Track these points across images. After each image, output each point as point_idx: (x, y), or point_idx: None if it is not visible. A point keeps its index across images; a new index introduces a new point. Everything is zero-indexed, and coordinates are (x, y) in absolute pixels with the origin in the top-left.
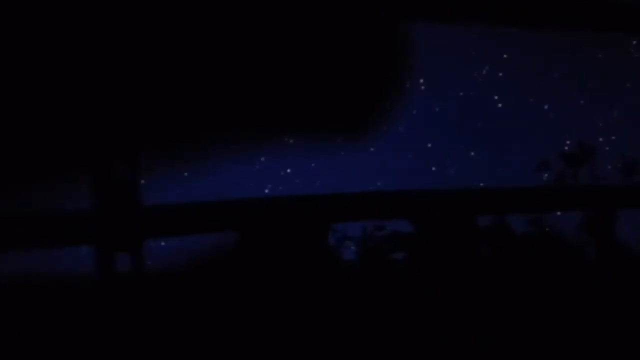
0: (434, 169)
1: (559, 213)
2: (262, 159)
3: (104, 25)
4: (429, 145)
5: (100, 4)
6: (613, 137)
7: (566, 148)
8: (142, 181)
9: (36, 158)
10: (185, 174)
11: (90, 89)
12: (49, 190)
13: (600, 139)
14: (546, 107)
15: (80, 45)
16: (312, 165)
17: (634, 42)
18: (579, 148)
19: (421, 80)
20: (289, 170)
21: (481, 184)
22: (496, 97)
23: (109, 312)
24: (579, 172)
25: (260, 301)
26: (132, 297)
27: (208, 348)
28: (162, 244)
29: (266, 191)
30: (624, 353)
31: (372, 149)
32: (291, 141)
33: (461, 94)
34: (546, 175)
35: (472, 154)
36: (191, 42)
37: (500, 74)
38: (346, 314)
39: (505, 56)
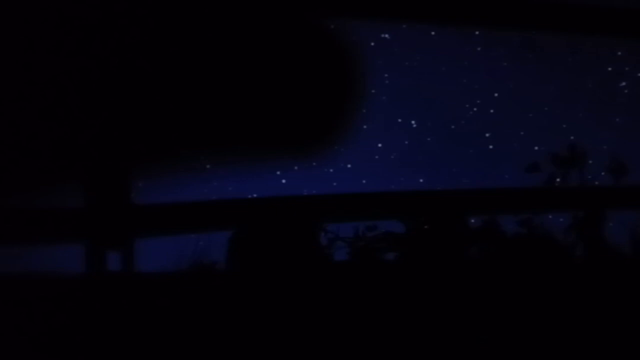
0: None
1: (549, 215)
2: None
3: (104, 27)
4: (421, 180)
5: (105, 8)
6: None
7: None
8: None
9: (31, 157)
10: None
11: (87, 90)
12: (43, 188)
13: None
14: (536, 147)
15: (78, 47)
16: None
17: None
18: (569, 151)
19: (413, 122)
20: None
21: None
22: (487, 135)
23: (98, 308)
24: (568, 175)
25: (250, 301)
26: (122, 295)
27: (198, 344)
28: (154, 243)
29: None
30: (611, 349)
31: (364, 182)
32: (283, 181)
33: (452, 127)
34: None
35: None
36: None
37: (492, 111)
38: (337, 314)
39: (496, 95)
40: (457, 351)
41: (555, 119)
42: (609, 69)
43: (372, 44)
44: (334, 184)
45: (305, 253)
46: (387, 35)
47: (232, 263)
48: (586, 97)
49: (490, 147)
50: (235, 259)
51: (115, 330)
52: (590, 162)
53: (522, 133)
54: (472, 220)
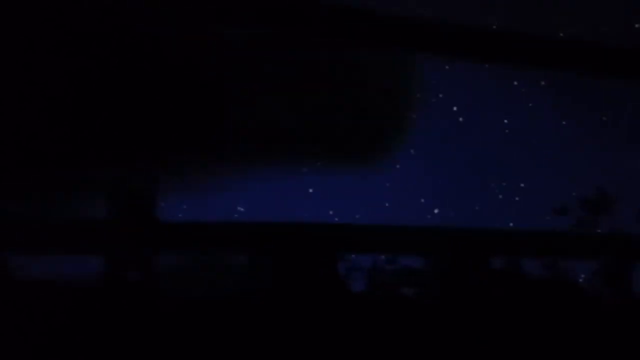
0: None
1: (575, 260)
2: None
3: (107, 27)
4: (436, 210)
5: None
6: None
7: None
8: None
9: (57, 170)
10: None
11: (112, 100)
12: (68, 199)
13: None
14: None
15: (102, 56)
16: None
17: None
18: (600, 196)
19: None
20: None
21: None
22: (522, 185)
23: (116, 322)
24: (597, 221)
25: (265, 324)
26: (140, 309)
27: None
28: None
29: None
30: None
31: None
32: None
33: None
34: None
35: None
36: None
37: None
38: (351, 344)
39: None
40: None
41: (586, 165)
42: None
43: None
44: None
45: (324, 281)
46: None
47: (248, 285)
48: (619, 143)
49: (522, 185)
50: (253, 282)
51: (130, 341)
52: (621, 210)
53: (553, 178)
54: (495, 262)
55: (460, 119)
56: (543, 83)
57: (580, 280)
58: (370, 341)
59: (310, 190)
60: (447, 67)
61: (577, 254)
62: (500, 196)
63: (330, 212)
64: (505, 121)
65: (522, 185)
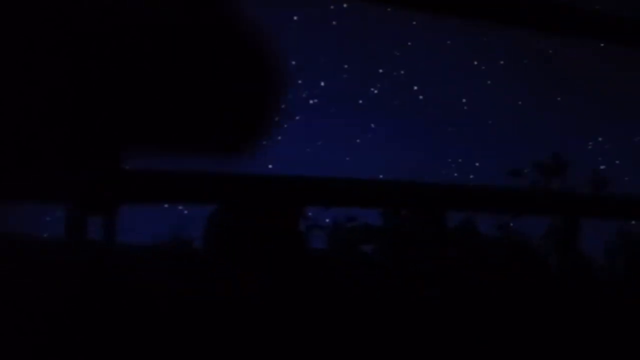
0: None
1: (527, 218)
2: None
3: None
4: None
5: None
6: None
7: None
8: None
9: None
10: None
11: (112, 104)
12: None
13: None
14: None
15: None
16: None
17: None
18: (554, 160)
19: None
20: None
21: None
22: (477, 164)
23: (76, 275)
24: (550, 183)
25: (223, 281)
26: (101, 261)
27: (171, 318)
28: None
29: None
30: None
31: None
32: None
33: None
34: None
35: None
36: None
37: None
38: (310, 301)
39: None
40: (428, 347)
41: (542, 146)
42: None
43: None
44: None
45: (284, 237)
46: None
47: (208, 241)
48: (574, 122)
49: (477, 164)
50: (212, 237)
51: (87, 298)
52: (574, 173)
53: (508, 141)
54: (451, 219)
55: (420, 97)
56: (502, 62)
57: (532, 239)
58: (329, 298)
59: None
60: (409, 43)
61: (528, 211)
62: (456, 174)
63: None
64: (464, 100)
65: (477, 164)
